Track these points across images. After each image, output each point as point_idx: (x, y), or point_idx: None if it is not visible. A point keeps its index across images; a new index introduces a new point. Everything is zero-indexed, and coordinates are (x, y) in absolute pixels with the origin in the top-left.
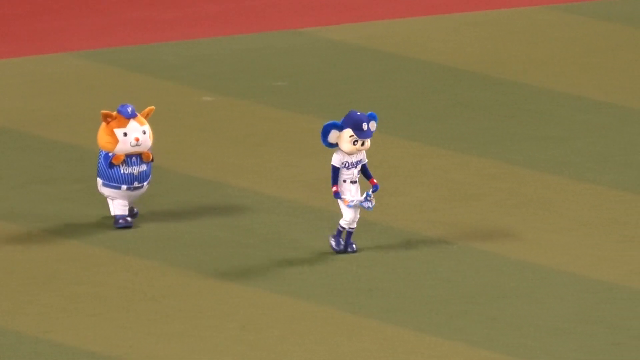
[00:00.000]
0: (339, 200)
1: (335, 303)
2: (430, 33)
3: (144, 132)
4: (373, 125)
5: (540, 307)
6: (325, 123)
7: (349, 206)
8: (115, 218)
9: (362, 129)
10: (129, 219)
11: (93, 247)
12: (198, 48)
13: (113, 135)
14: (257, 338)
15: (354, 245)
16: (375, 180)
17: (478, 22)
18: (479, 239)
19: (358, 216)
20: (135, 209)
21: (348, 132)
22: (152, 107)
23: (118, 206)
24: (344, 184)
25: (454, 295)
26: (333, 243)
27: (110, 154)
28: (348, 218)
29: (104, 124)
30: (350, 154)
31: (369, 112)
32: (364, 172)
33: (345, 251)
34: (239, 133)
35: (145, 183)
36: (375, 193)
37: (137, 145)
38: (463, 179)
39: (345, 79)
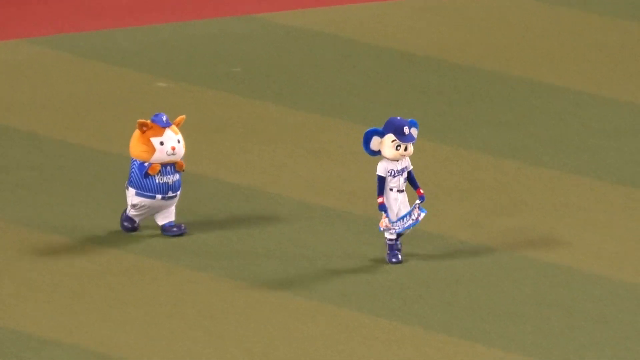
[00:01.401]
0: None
1: (291, 289)
2: (387, 19)
3: (179, 141)
4: (415, 132)
5: (495, 291)
6: (367, 130)
7: (380, 229)
8: (124, 217)
9: (404, 133)
10: (136, 224)
11: (47, 235)
12: (153, 34)
13: (149, 144)
14: (214, 324)
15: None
16: (422, 191)
17: (434, 8)
18: (432, 223)
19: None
20: (183, 225)
21: (390, 137)
22: (183, 116)
23: (134, 212)
24: (391, 193)
25: (409, 280)
26: (393, 259)
27: (146, 164)
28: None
29: (137, 132)
30: (394, 159)
31: (410, 119)
32: (411, 180)
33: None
34: (194, 119)
35: (178, 192)
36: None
37: (173, 154)
38: (419, 163)
39: (301, 65)
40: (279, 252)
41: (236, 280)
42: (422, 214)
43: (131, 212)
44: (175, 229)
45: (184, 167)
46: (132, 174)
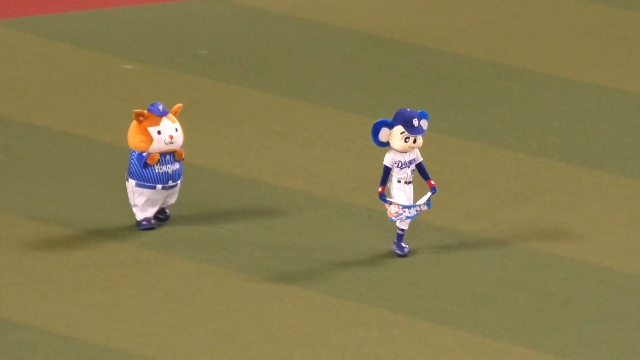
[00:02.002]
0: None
1: (258, 271)
2: (353, 1)
3: (176, 130)
4: (424, 123)
5: (461, 273)
6: (376, 121)
7: (391, 219)
8: (138, 222)
9: (413, 125)
10: (152, 220)
11: (14, 216)
12: (119, 16)
13: (146, 134)
14: (180, 307)
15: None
16: (433, 182)
17: None
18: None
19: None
20: (167, 211)
21: (399, 129)
22: (180, 104)
23: (144, 211)
24: (398, 184)
25: (375, 262)
26: (398, 250)
27: (145, 154)
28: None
29: (134, 123)
30: (402, 151)
31: (420, 110)
32: (421, 172)
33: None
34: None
35: (178, 182)
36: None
37: (171, 143)
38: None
39: (268, 47)
40: (244, 233)
41: (202, 264)
42: (426, 208)
43: (138, 215)
44: (145, 223)
45: (183, 156)
46: (132, 165)
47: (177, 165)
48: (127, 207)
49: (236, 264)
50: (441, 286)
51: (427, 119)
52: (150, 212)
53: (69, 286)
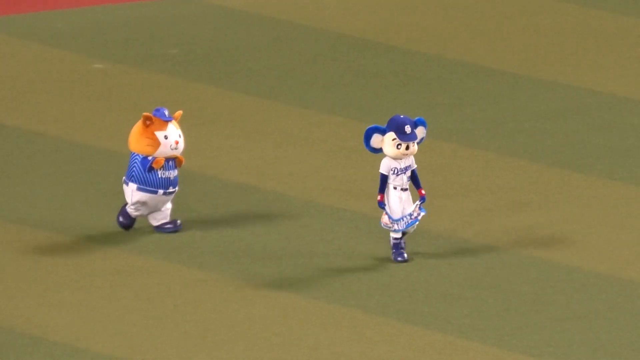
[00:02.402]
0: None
1: (228, 271)
2: (323, 0)
3: (180, 136)
4: (421, 131)
5: (431, 274)
6: (368, 127)
7: (385, 226)
8: (123, 213)
9: (405, 132)
10: (130, 222)
11: None
12: (89, 16)
13: (154, 138)
14: (151, 307)
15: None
16: (423, 192)
17: None
18: (371, 205)
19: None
20: (178, 221)
21: (391, 135)
22: (181, 111)
23: (132, 210)
24: (394, 191)
25: (346, 262)
26: (399, 257)
27: (150, 158)
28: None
29: (139, 127)
30: (395, 158)
31: (417, 117)
32: (414, 180)
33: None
34: (131, 101)
35: (176, 189)
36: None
37: (176, 148)
38: (357, 146)
39: (238, 47)
40: (213, 233)
41: (172, 264)
42: (422, 213)
43: (130, 209)
44: (170, 225)
45: (183, 162)
46: (134, 168)
47: (176, 172)
48: (97, 207)
49: (206, 265)
50: (412, 286)
51: (424, 126)
52: (140, 215)
53: (38, 286)
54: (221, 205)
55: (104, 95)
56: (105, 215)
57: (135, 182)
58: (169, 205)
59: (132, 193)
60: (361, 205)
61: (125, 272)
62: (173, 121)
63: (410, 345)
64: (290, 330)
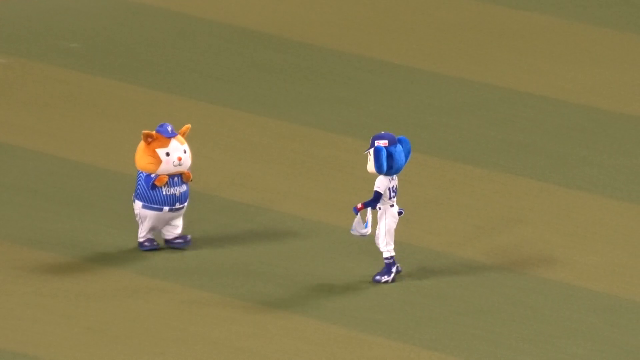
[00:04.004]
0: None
1: (131, 267)
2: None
3: (185, 151)
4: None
5: (333, 267)
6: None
7: (352, 230)
8: (140, 242)
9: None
10: (155, 242)
11: None
12: None
13: (155, 155)
14: (53, 303)
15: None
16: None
17: None
18: (267, 197)
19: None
20: (188, 236)
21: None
22: (189, 125)
23: (146, 229)
24: (390, 209)
25: (249, 257)
26: (386, 278)
27: (153, 175)
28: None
29: (142, 144)
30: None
31: (400, 136)
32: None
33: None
34: (32, 95)
35: (185, 204)
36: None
37: (179, 164)
38: (259, 140)
39: (141, 41)
40: (109, 227)
41: (73, 259)
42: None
43: (141, 239)
44: (180, 240)
45: (191, 178)
46: (139, 186)
47: (184, 187)
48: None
49: (108, 260)
50: (314, 281)
51: (402, 144)
52: (152, 234)
53: None
54: (125, 201)
55: (4, 89)
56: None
57: (141, 200)
58: (179, 222)
59: (138, 210)
60: (277, 203)
61: (27, 267)
62: (178, 136)
63: (313, 339)
64: (192, 325)
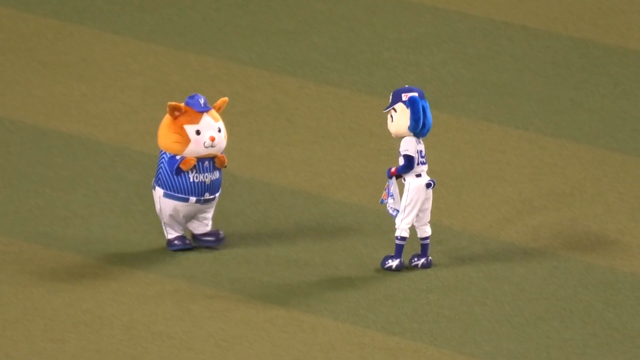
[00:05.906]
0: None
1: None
2: None
3: (219, 130)
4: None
5: (281, 243)
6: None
7: (382, 201)
8: (169, 241)
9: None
10: (187, 240)
11: None
12: None
13: (182, 133)
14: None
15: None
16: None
17: None
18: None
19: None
20: (221, 233)
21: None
22: (225, 98)
23: (173, 226)
24: (416, 180)
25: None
26: (389, 262)
27: (178, 157)
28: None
29: (167, 119)
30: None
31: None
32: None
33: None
34: None
35: (217, 194)
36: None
37: (211, 146)
38: (179, 80)
39: None
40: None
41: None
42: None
43: (164, 225)
44: (211, 238)
45: (225, 163)
46: (161, 169)
47: (217, 174)
48: None
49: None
50: (249, 257)
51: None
52: (180, 229)
53: None
54: (15, 153)
55: None
56: None
57: (162, 187)
58: (209, 215)
59: (159, 200)
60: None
61: None
62: (211, 111)
63: (247, 322)
64: (101, 308)
